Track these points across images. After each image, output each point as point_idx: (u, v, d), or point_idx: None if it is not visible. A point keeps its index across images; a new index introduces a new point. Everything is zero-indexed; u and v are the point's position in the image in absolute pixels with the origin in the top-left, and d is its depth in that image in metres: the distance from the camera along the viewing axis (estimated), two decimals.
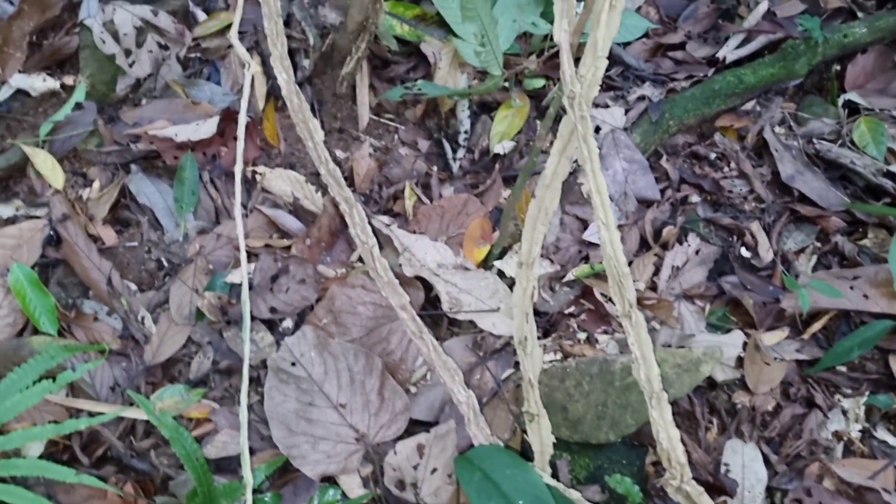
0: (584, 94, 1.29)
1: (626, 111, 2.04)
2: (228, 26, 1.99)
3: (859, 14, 2.25)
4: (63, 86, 1.90)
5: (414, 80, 2.07)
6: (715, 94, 2.05)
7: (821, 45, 2.11)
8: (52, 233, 1.77)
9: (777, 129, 2.09)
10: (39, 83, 1.88)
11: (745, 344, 1.70)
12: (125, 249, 1.80)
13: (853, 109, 2.13)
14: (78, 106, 1.87)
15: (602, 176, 1.26)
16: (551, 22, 2.14)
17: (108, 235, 1.80)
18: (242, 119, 1.25)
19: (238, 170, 1.23)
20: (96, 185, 1.84)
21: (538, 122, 2.06)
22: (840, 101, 2.14)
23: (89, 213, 1.81)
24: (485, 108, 2.07)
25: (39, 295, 1.68)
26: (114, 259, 1.77)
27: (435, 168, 1.98)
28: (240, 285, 1.74)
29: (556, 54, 2.01)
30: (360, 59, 1.92)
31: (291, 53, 2.01)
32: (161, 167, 1.88)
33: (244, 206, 1.87)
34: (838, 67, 2.21)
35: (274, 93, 1.98)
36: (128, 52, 1.90)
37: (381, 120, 2.05)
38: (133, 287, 1.76)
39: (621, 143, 1.95)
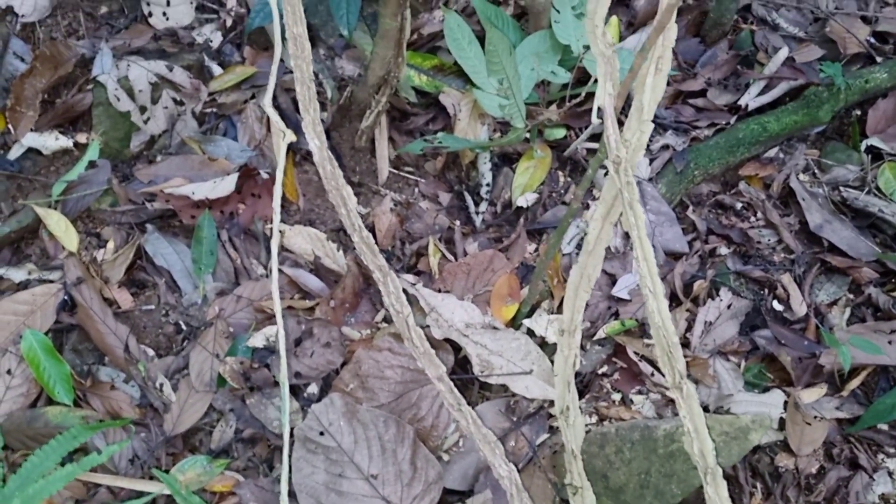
0: (629, 160, 1.26)
1: (651, 161, 2.00)
2: (245, 80, 1.96)
3: (878, 58, 2.23)
4: (76, 144, 1.85)
5: (434, 132, 2.03)
6: (739, 143, 2.02)
7: (843, 91, 2.09)
8: (66, 297, 1.71)
9: (801, 176, 2.07)
10: (52, 142, 1.83)
11: (785, 403, 1.65)
12: (142, 313, 1.74)
13: (876, 155, 2.10)
14: (91, 164, 1.82)
15: (649, 244, 1.22)
16: (569, 69, 2.12)
17: (124, 299, 1.74)
18: (277, 192, 1.21)
19: (275, 260, 1.18)
20: (111, 245, 1.79)
21: (560, 172, 2.03)
22: (863, 147, 2.11)
23: (104, 276, 1.75)
24: (506, 160, 2.03)
25: (54, 363, 1.62)
26: (130, 323, 1.72)
27: (457, 222, 1.93)
28: (262, 349, 1.68)
29: (578, 104, 1.99)
30: (380, 113, 1.88)
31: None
32: (177, 226, 1.83)
33: (263, 265, 1.81)
34: (859, 112, 2.19)
35: (292, 147, 1.93)
36: (143, 109, 1.85)
37: (401, 173, 2.00)
38: (151, 352, 1.70)
39: (648, 195, 1.91)
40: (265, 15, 1.56)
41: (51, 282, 1.73)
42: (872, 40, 2.31)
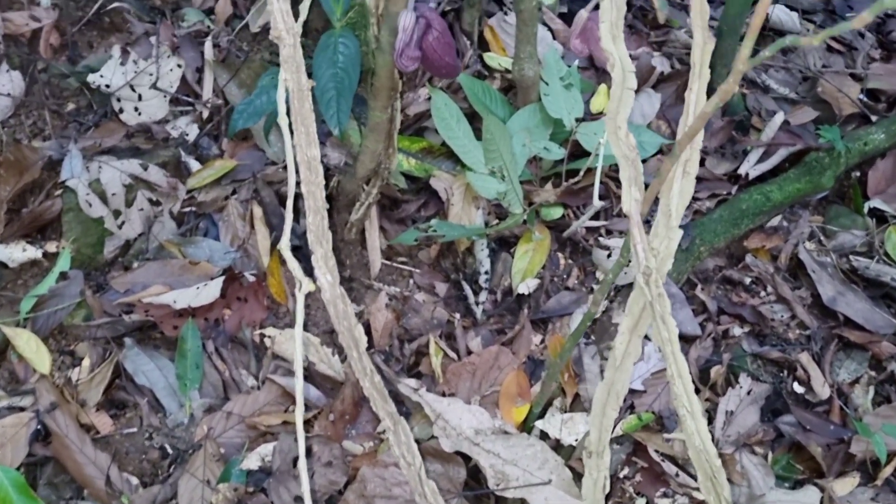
0: (659, 269, 1.17)
1: None
2: (225, 175, 1.84)
3: (872, 117, 2.19)
4: (45, 254, 1.73)
5: (426, 218, 1.94)
6: (743, 214, 1.95)
7: (843, 155, 2.03)
8: (39, 426, 1.56)
9: (807, 244, 2.00)
10: (19, 253, 1.70)
11: (821, 500, 1.55)
12: (123, 437, 1.60)
13: (880, 217, 2.05)
14: (63, 276, 1.69)
15: (684, 360, 1.12)
16: (561, 143, 2.05)
17: (103, 423, 1.60)
18: (298, 363, 1.09)
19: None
20: (86, 363, 1.65)
21: (560, 254, 1.94)
22: (865, 209, 2.06)
23: (80, 399, 1.61)
24: (503, 244, 1.94)
25: (27, 502, 1.47)
26: (111, 450, 1.57)
27: (457, 315, 1.83)
28: (258, 471, 1.55)
29: (573, 180, 1.90)
30: (370, 206, 1.78)
31: (294, 198, 1.86)
32: (159, 339, 1.70)
33: (254, 375, 1.69)
34: (858, 174, 2.14)
35: (277, 245, 1.82)
36: (117, 213, 1.73)
37: (394, 264, 1.90)
38: (135, 481, 1.56)
39: None
40: (249, 116, 1.46)
41: (21, 409, 1.58)
42: (864, 98, 2.28)
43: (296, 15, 1.06)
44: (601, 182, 1.83)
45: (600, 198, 2.05)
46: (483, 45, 2.23)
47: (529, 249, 1.91)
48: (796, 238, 1.98)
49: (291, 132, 1.07)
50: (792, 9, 2.50)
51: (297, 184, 1.08)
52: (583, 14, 1.27)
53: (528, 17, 1.91)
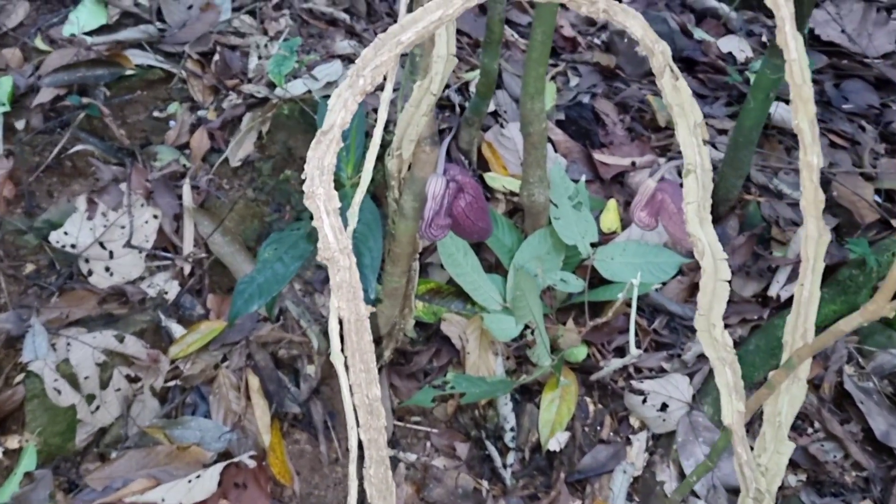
0: (769, 490, 1.00)
1: (689, 376, 1.76)
2: (212, 340, 1.62)
3: (893, 222, 2.08)
4: (6, 451, 1.47)
5: (439, 369, 1.74)
6: (780, 343, 1.80)
7: (875, 270, 1.91)
8: None
9: (846, 368, 1.85)
10: None
11: None
12: None
13: None
14: (28, 476, 1.44)
15: None
16: (573, 270, 1.88)
17: None
18: None
19: None
20: None
21: (588, 400, 1.76)
22: None
23: None
24: (525, 392, 1.75)
25: None
26: None
27: (484, 482, 1.62)
28: None
29: (600, 320, 1.74)
30: (382, 369, 1.58)
31: (292, 360, 1.66)
32: None
33: None
34: None
35: (277, 413, 1.60)
36: (90, 398, 1.49)
37: (408, 425, 1.69)
38: None
39: (699, 426, 1.66)
40: (251, 297, 1.25)
41: None
42: (880, 200, 2.18)
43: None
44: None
45: (621, 331, 1.89)
46: (481, 163, 2.07)
47: (556, 397, 1.73)
48: (837, 364, 1.84)
49: (347, 368, 0.87)
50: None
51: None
52: (650, 183, 1.11)
53: (537, 140, 1.76)
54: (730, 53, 2.65)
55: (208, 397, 1.58)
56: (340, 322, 0.88)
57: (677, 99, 0.99)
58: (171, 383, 1.58)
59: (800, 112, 0.90)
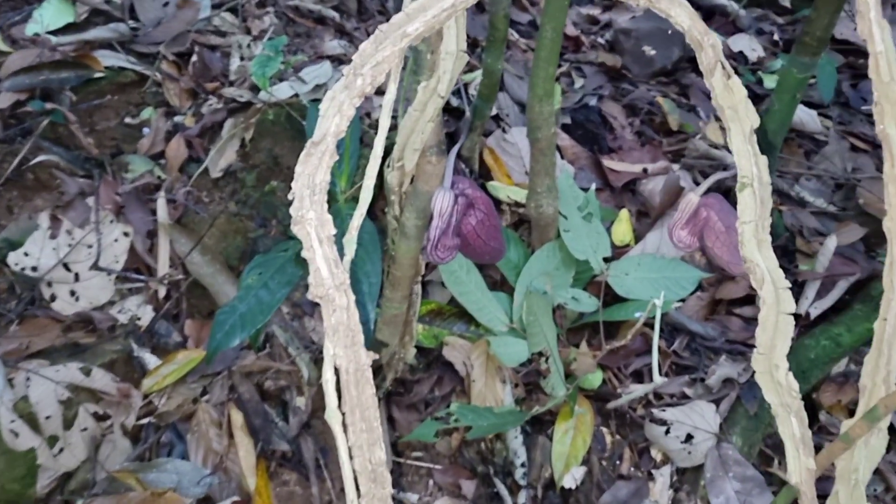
0: None
1: (714, 402, 1.61)
2: (190, 371, 1.46)
3: None
4: None
5: (441, 399, 1.59)
6: (812, 365, 1.66)
7: None
8: None
9: None
10: None
11: None
12: None
13: None
14: None
15: None
16: (584, 286, 1.74)
17: None
18: None
19: None
20: None
21: (604, 430, 1.61)
22: None
23: None
24: (535, 423, 1.60)
25: None
26: None
27: None
28: None
29: (616, 343, 1.59)
30: (379, 401, 1.43)
31: (280, 392, 1.50)
32: None
33: None
34: None
35: (264, 451, 1.44)
36: (53, 440, 1.33)
37: (408, 461, 1.54)
38: None
39: (729, 460, 1.51)
40: (232, 329, 1.10)
41: None
42: None
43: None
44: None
45: (639, 354, 1.75)
46: (483, 170, 1.91)
47: (570, 428, 1.58)
48: None
49: (345, 428, 0.72)
50: (809, 105, 2.27)
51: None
52: (692, 198, 0.96)
53: (545, 146, 1.60)
54: (741, 53, 2.51)
55: (186, 436, 1.41)
56: (337, 371, 0.73)
57: (730, 101, 0.85)
58: (145, 420, 1.42)
59: (886, 115, 0.75)
